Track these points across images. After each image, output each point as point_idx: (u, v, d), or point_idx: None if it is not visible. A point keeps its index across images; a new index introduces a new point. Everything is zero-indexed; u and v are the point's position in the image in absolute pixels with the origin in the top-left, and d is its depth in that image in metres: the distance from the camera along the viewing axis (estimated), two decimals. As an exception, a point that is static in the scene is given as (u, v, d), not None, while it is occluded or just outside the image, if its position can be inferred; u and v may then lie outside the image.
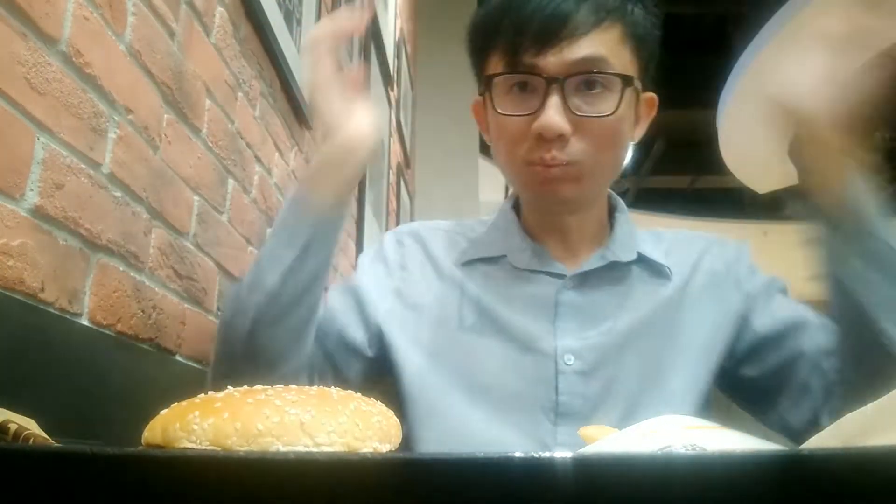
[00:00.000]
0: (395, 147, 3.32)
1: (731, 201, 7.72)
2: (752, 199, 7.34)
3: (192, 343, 1.05)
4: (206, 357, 1.11)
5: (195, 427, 0.37)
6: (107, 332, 0.81)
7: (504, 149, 0.76)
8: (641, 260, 0.80)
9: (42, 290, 0.69)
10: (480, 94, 0.80)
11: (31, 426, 0.40)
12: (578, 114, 0.70)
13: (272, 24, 1.33)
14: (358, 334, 0.80)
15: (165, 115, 0.95)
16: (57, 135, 0.71)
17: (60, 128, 0.71)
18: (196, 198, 1.06)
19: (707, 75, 5.79)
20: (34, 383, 0.67)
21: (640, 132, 0.80)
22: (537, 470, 0.28)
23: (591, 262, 0.78)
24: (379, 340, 0.80)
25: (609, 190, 0.85)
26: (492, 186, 4.56)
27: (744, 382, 0.79)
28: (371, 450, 0.39)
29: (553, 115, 0.69)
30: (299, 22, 1.57)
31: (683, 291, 0.80)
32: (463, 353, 0.76)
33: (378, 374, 0.81)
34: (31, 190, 0.68)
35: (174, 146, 0.98)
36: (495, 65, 0.75)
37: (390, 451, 0.40)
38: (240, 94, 1.23)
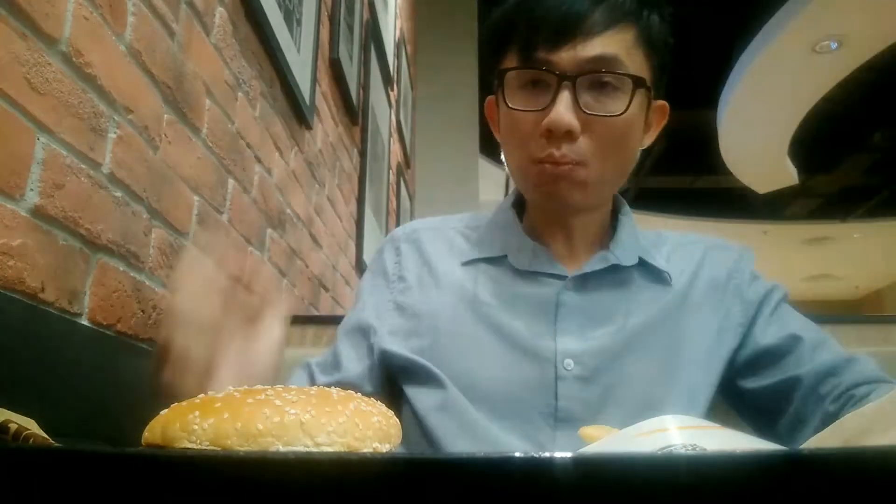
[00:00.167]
0: (395, 147, 3.32)
1: (731, 201, 7.72)
2: (753, 199, 7.36)
3: (192, 343, 1.05)
4: (206, 357, 1.11)
5: (195, 427, 0.37)
6: (107, 332, 0.81)
7: (513, 145, 0.76)
8: (643, 265, 0.79)
9: (42, 290, 0.69)
10: (494, 92, 0.80)
11: (31, 426, 0.40)
12: (588, 112, 0.70)
13: (272, 24, 1.33)
14: (357, 370, 0.81)
15: (165, 115, 0.95)
16: (57, 135, 0.71)
17: (60, 128, 0.71)
18: (196, 198, 1.06)
19: (707, 75, 5.79)
20: (34, 383, 0.67)
21: (649, 139, 0.80)
22: (537, 470, 0.28)
23: (592, 263, 0.78)
24: (378, 373, 0.81)
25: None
26: (492, 186, 4.56)
27: (744, 395, 0.78)
28: (371, 450, 0.39)
29: (563, 111, 0.69)
30: (299, 22, 1.57)
31: (685, 297, 0.79)
32: (462, 356, 0.76)
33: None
34: (31, 190, 0.68)
35: (174, 146, 0.98)
36: (509, 61, 0.75)
37: (390, 451, 0.40)
38: (240, 94, 1.23)
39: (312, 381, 0.82)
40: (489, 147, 5.15)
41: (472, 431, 0.72)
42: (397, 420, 0.43)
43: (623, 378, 0.74)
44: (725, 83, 5.79)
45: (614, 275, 0.78)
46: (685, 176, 7.67)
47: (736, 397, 0.80)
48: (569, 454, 0.28)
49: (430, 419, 0.75)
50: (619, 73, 0.70)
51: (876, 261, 9.17)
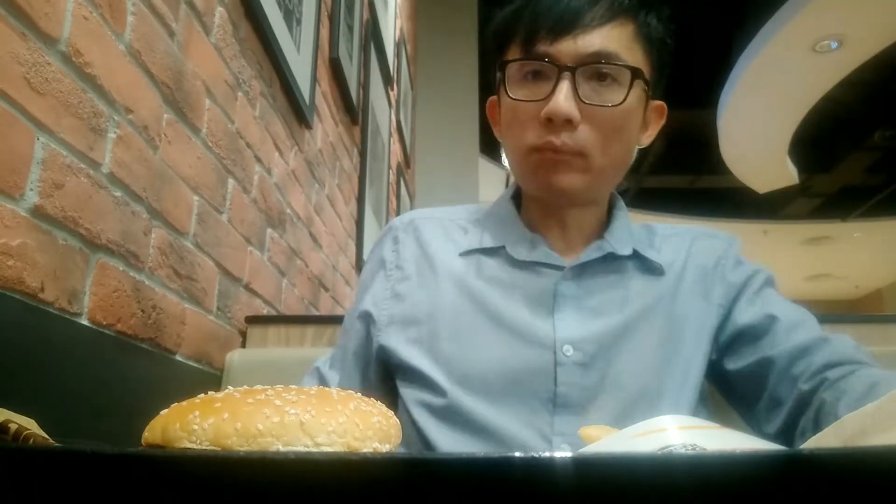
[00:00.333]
0: (395, 147, 3.32)
1: (731, 201, 7.72)
2: (753, 199, 7.35)
3: (192, 343, 1.05)
4: (206, 357, 1.11)
5: (195, 427, 0.37)
6: (107, 331, 0.81)
7: (513, 134, 0.78)
8: (637, 257, 0.81)
9: (42, 289, 0.69)
10: (496, 86, 0.82)
11: (31, 426, 0.40)
12: (587, 102, 0.72)
13: (272, 23, 1.33)
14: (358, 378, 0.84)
15: (165, 115, 0.95)
16: (57, 134, 0.71)
17: (60, 127, 0.71)
18: (196, 198, 1.06)
19: (707, 75, 5.79)
20: (34, 383, 0.67)
21: (647, 139, 0.82)
22: (537, 470, 0.28)
23: (588, 252, 0.80)
24: (375, 368, 0.83)
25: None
26: (492, 186, 4.56)
27: (728, 378, 0.80)
28: (371, 450, 0.39)
29: (563, 100, 0.71)
30: (299, 22, 1.57)
31: (677, 286, 0.81)
32: (461, 344, 0.77)
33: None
34: (31, 190, 0.68)
35: (174, 146, 0.98)
36: (512, 54, 0.77)
37: (390, 451, 0.40)
38: (240, 93, 1.23)
39: (323, 381, 0.84)
40: (489, 147, 5.15)
41: (470, 433, 0.73)
42: (397, 420, 0.43)
43: (620, 364, 0.75)
44: (725, 83, 5.79)
45: (610, 265, 0.80)
46: (685, 176, 7.68)
47: (722, 380, 0.81)
48: (569, 454, 0.28)
49: (428, 423, 0.75)
50: (617, 65, 0.72)
51: (876, 260, 9.17)
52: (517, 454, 0.28)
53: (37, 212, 0.68)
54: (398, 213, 3.40)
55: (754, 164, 6.72)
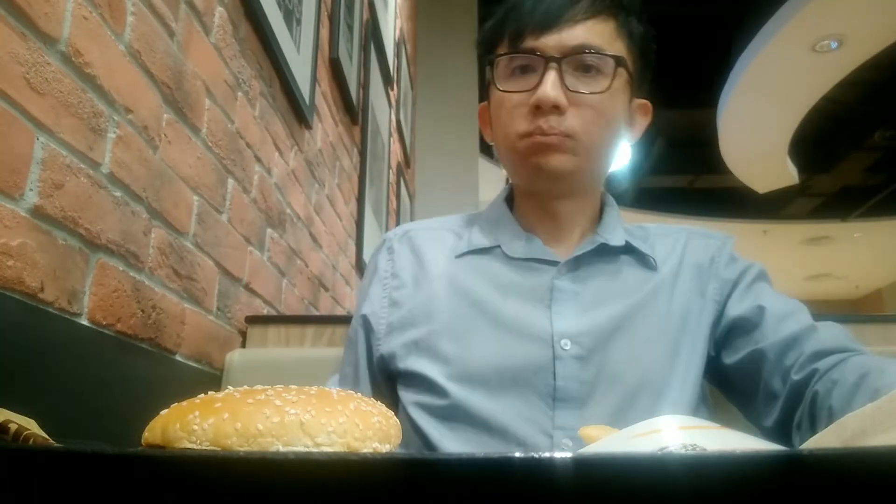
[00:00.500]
0: (395, 147, 3.32)
1: (731, 201, 7.72)
2: (753, 198, 7.35)
3: (192, 343, 1.05)
4: (206, 357, 1.11)
5: (195, 427, 0.37)
6: (106, 331, 0.81)
7: (503, 125, 0.80)
8: (630, 250, 0.83)
9: (42, 289, 0.69)
10: (486, 84, 0.85)
11: (31, 426, 0.40)
12: (573, 90, 0.76)
13: (272, 23, 1.33)
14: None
15: (165, 115, 0.95)
16: (56, 135, 0.71)
17: (60, 127, 0.71)
18: (196, 198, 1.06)
19: (707, 75, 5.79)
20: (34, 383, 0.67)
21: (633, 136, 0.85)
22: (537, 470, 0.28)
23: (582, 246, 0.81)
24: (377, 374, 0.84)
25: (601, 188, 0.88)
26: (492, 186, 4.56)
27: (725, 373, 0.81)
28: (371, 450, 0.39)
29: (550, 87, 0.75)
30: (299, 22, 1.57)
31: (672, 282, 0.82)
32: (459, 342, 0.77)
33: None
34: (31, 190, 0.68)
35: (174, 146, 0.98)
36: (500, 51, 0.81)
37: (390, 451, 0.40)
38: (239, 93, 1.23)
39: None
40: (489, 147, 5.13)
41: (471, 431, 0.73)
42: (397, 420, 0.43)
43: (618, 357, 0.76)
44: (725, 83, 5.79)
45: (604, 258, 0.82)
46: (685, 176, 7.67)
47: (720, 377, 0.82)
48: (569, 454, 0.28)
49: (428, 424, 0.76)
50: (600, 54, 0.77)
51: (876, 260, 9.16)
52: (517, 454, 0.28)
53: (36, 212, 0.68)
54: (398, 212, 3.40)
55: (754, 164, 6.71)
